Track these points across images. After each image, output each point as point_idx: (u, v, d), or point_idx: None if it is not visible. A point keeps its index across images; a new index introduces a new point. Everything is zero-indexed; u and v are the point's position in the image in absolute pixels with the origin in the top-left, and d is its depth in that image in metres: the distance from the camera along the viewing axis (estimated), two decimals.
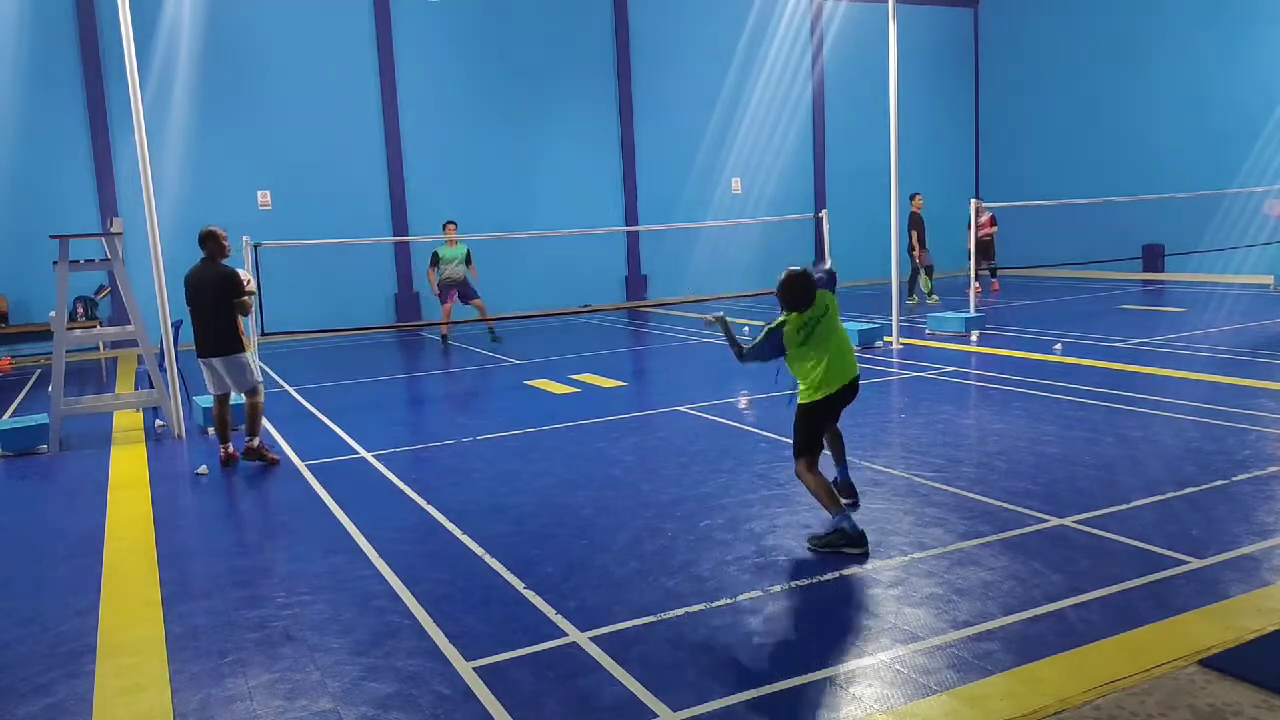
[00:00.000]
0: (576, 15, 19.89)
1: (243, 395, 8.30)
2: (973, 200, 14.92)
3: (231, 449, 8.22)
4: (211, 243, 8.09)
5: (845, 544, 5.31)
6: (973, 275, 14.60)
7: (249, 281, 8.49)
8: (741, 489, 6.63)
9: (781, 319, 5.59)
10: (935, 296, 17.95)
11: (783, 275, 5.55)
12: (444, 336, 15.28)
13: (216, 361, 8.09)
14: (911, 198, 17.34)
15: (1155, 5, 20.47)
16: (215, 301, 8.02)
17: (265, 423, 9.55)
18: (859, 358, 11.65)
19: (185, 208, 15.94)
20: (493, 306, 15.84)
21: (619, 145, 20.57)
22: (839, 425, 6.13)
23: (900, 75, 13.12)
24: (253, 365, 8.56)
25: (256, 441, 8.11)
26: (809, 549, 5.39)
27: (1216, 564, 4.92)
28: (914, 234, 17.39)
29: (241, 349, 8.20)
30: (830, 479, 5.89)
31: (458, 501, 6.69)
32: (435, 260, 14.88)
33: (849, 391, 5.64)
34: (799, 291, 5.49)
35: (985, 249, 18.04)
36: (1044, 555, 5.14)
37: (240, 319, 8.37)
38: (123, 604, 5.15)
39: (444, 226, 15.00)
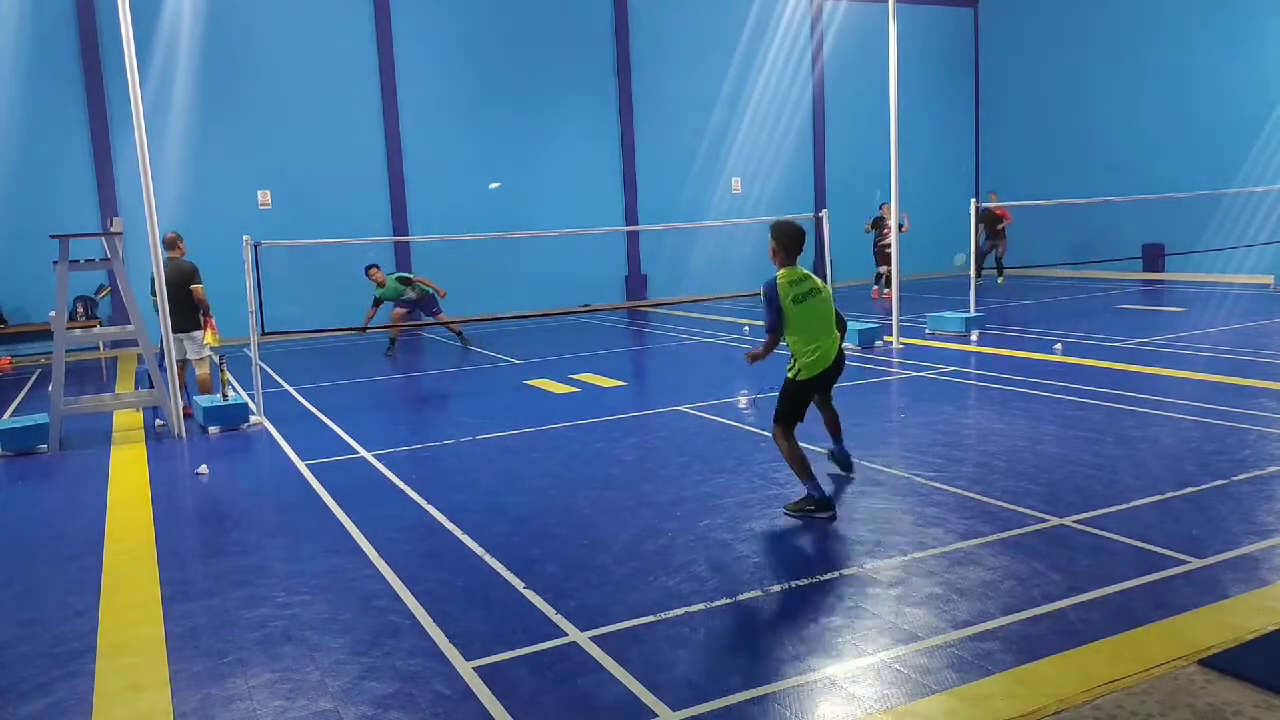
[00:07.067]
0: (577, 15, 19.88)
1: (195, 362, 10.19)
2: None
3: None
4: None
5: (814, 509, 5.89)
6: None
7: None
8: (741, 489, 6.62)
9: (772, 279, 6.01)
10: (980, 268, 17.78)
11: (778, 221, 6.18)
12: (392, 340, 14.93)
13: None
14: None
15: (1154, 5, 20.47)
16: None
17: (266, 423, 9.70)
18: (860, 358, 11.82)
19: (185, 208, 15.95)
20: (492, 307, 15.82)
21: (619, 145, 20.56)
22: (835, 407, 6.77)
23: (900, 75, 13.12)
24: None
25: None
26: (785, 514, 5.98)
27: (1216, 564, 4.91)
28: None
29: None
30: (827, 449, 6.83)
31: (458, 501, 6.69)
32: (378, 302, 14.34)
33: (835, 369, 6.17)
34: (794, 233, 6.02)
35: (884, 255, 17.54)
36: (1044, 555, 5.14)
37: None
38: (123, 604, 5.14)
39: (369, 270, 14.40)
